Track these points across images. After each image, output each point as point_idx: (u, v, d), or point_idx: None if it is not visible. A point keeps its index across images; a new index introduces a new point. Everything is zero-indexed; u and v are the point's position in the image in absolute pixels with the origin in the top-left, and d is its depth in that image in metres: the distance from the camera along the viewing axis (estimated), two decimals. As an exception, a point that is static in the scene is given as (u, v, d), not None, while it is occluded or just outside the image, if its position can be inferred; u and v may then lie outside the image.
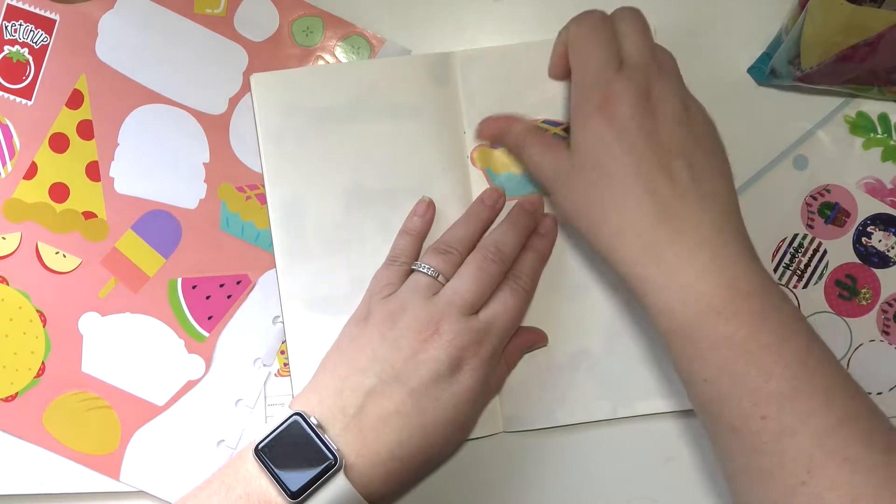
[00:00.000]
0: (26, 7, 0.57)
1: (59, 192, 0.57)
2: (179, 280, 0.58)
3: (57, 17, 0.57)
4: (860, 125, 0.60)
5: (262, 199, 0.58)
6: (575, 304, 0.58)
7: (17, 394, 0.57)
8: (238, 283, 0.58)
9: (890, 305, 0.59)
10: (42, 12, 0.57)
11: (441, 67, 0.58)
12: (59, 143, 0.57)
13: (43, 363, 0.57)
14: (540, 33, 0.59)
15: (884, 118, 0.60)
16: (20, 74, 0.57)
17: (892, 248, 0.59)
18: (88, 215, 0.57)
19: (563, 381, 0.58)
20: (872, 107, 0.60)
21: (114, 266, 0.57)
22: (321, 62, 0.58)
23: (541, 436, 0.59)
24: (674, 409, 0.58)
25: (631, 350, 0.58)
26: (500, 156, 0.58)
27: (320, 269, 0.56)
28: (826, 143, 0.60)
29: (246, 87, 0.58)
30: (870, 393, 0.59)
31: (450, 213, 0.57)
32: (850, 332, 0.59)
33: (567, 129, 0.58)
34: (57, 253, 0.57)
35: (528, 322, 0.58)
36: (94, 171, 0.57)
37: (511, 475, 0.59)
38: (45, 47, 0.57)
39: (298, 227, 0.56)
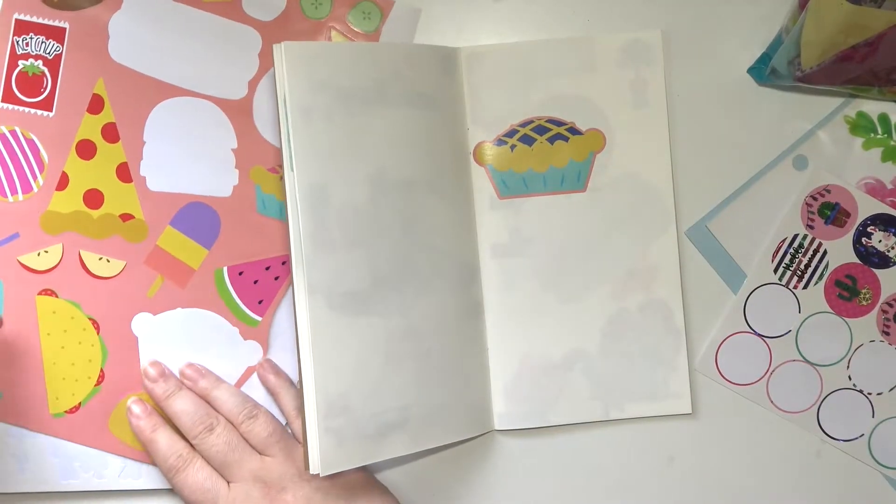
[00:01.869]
0: (35, 19, 0.57)
1: (94, 198, 0.57)
2: (225, 269, 0.58)
3: (67, 25, 0.57)
4: (860, 125, 0.60)
5: None
6: (570, 305, 0.58)
7: (80, 404, 0.57)
8: (283, 263, 0.58)
9: (890, 305, 0.59)
10: (51, 22, 0.57)
11: (449, 61, 0.58)
12: (86, 150, 0.57)
13: (101, 370, 0.57)
14: (540, 33, 0.60)
15: (884, 118, 0.60)
16: (38, 87, 0.57)
17: (892, 248, 0.59)
18: (126, 217, 0.57)
19: (556, 380, 0.58)
20: (872, 107, 0.60)
21: (158, 264, 0.57)
22: (334, 32, 0.58)
23: (534, 435, 0.59)
24: (665, 414, 0.58)
25: (625, 352, 0.58)
26: (502, 153, 0.59)
27: (343, 263, 0.54)
28: (826, 143, 0.60)
29: (264, 68, 0.58)
30: (870, 393, 0.59)
31: (450, 213, 0.57)
32: (850, 332, 0.59)
33: (571, 129, 0.59)
34: (101, 259, 0.57)
35: (524, 322, 0.58)
36: (124, 173, 0.57)
37: (504, 474, 0.59)
38: (58, 56, 0.57)
39: (323, 214, 0.53)
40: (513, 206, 0.59)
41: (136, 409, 0.56)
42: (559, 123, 0.59)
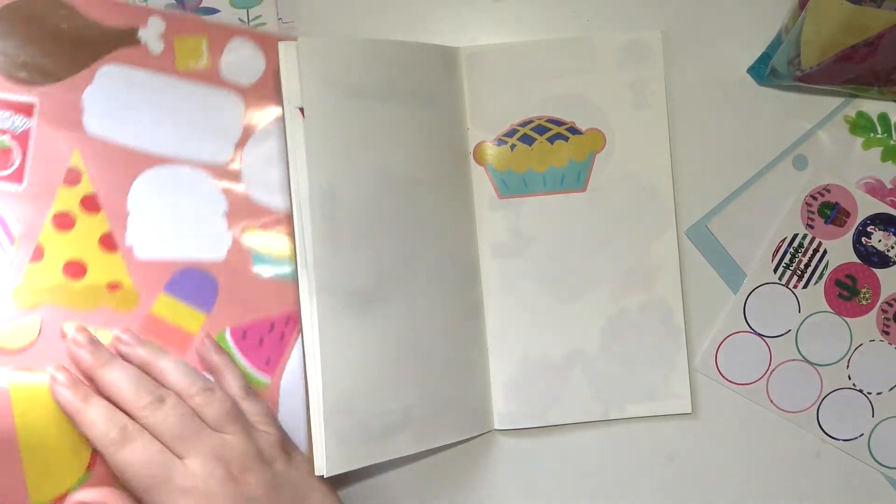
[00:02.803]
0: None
1: (75, 268, 0.54)
2: (227, 331, 0.55)
3: (35, 100, 0.54)
4: (860, 125, 0.60)
5: (291, 234, 0.56)
6: (570, 305, 0.58)
7: (68, 491, 0.51)
8: (287, 322, 0.56)
9: (890, 305, 0.59)
10: (17, 97, 0.54)
11: (449, 61, 0.58)
12: (63, 222, 0.54)
13: (92, 454, 0.51)
14: (540, 33, 0.60)
15: (884, 118, 0.60)
16: (6, 161, 0.54)
17: (892, 248, 0.59)
18: (113, 286, 0.54)
19: (556, 380, 0.58)
20: (872, 107, 0.60)
21: (154, 331, 0.54)
22: None
23: (534, 435, 0.59)
24: (665, 413, 0.58)
25: (625, 352, 0.58)
26: (501, 152, 0.59)
27: (350, 262, 0.54)
28: (826, 143, 0.60)
29: (248, 132, 0.56)
30: (870, 393, 0.59)
31: (450, 213, 0.57)
32: (850, 332, 0.59)
33: (571, 129, 0.59)
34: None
35: (524, 322, 0.58)
36: (109, 242, 0.54)
37: (504, 474, 0.59)
38: (27, 131, 0.54)
39: (332, 213, 0.53)
40: (513, 205, 0.59)
41: (61, 376, 0.49)
42: (559, 123, 0.59)
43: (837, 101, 0.60)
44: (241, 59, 0.57)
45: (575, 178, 0.59)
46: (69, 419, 0.49)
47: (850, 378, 0.59)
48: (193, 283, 0.55)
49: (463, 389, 0.57)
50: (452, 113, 0.58)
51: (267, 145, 0.57)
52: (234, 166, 0.56)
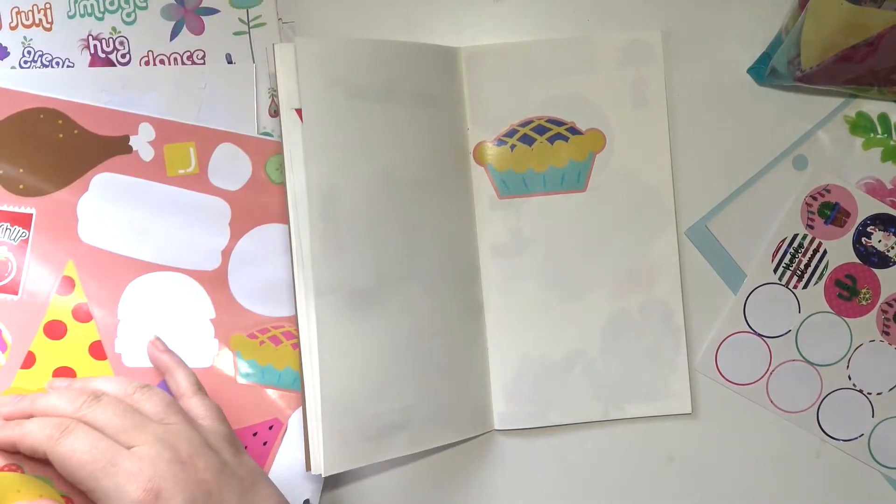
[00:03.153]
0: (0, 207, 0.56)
1: (64, 375, 0.55)
2: None
3: (33, 211, 0.56)
4: (860, 125, 0.60)
5: (276, 340, 0.57)
6: (570, 305, 0.58)
7: None
8: (270, 428, 0.56)
9: (890, 305, 0.59)
10: (16, 209, 0.56)
11: (449, 61, 0.58)
12: (55, 331, 0.55)
13: None
14: (540, 33, 0.60)
15: (884, 118, 0.60)
16: (3, 272, 0.55)
17: (892, 248, 0.59)
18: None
19: (556, 380, 0.58)
20: (872, 107, 0.60)
21: None
22: None
23: (534, 435, 0.59)
24: (665, 413, 0.58)
25: (625, 352, 0.58)
26: (501, 153, 0.59)
27: (350, 263, 0.54)
28: (826, 143, 0.60)
29: (236, 237, 0.57)
30: (870, 393, 0.59)
31: (450, 213, 0.57)
32: (850, 332, 0.59)
33: (571, 129, 0.59)
34: None
35: (524, 322, 0.58)
36: (98, 351, 0.56)
37: (504, 474, 0.59)
38: (24, 242, 0.55)
39: (332, 214, 0.53)
40: (513, 206, 0.59)
41: None
42: (559, 123, 0.59)
43: (837, 101, 0.60)
44: (228, 165, 0.58)
45: (575, 179, 0.59)
46: (12, 450, 0.47)
47: (850, 378, 0.59)
48: None
49: (463, 389, 0.57)
50: (452, 113, 0.58)
51: (254, 250, 0.58)
52: (222, 272, 0.57)
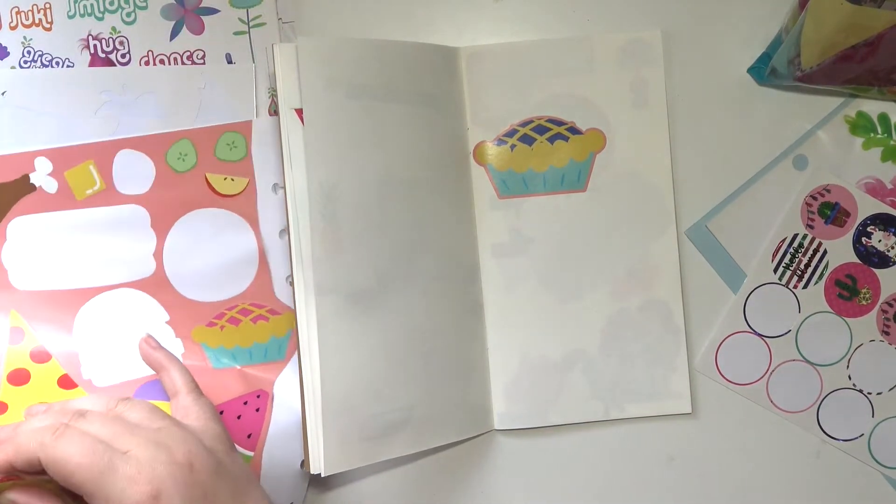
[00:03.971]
0: None
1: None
2: None
3: None
4: (860, 125, 0.60)
5: (234, 321, 0.57)
6: (570, 305, 0.58)
7: None
8: (258, 396, 0.57)
9: (890, 305, 0.59)
10: None
11: (449, 61, 0.58)
12: (19, 378, 0.55)
13: None
14: (540, 33, 0.60)
15: (884, 118, 0.60)
16: None
17: (892, 248, 0.59)
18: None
19: (556, 380, 0.58)
20: (872, 107, 0.60)
21: None
22: (207, 175, 0.58)
23: (534, 435, 0.59)
24: (665, 413, 0.58)
25: (625, 352, 0.58)
26: (502, 152, 0.59)
27: (351, 262, 0.54)
28: (826, 143, 0.60)
29: (162, 238, 0.57)
30: (870, 393, 0.59)
31: (450, 212, 0.57)
32: (850, 332, 0.59)
33: (571, 129, 0.59)
34: None
35: (524, 322, 0.58)
36: (67, 382, 0.55)
37: (504, 474, 0.59)
38: None
39: (333, 214, 0.54)
40: (513, 205, 0.59)
41: None
42: (559, 123, 0.59)
43: (837, 101, 0.60)
44: (131, 171, 0.57)
45: (575, 178, 0.59)
46: (10, 471, 0.46)
47: (850, 378, 0.59)
48: (157, 394, 0.55)
49: (463, 389, 0.57)
50: (452, 113, 0.58)
51: (183, 242, 0.58)
52: (160, 274, 0.57)
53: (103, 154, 0.57)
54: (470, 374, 0.57)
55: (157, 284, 0.57)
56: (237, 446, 0.54)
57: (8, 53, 0.58)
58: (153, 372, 0.54)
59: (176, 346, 0.57)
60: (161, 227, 0.57)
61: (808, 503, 0.59)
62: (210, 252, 0.58)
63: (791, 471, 0.59)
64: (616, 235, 0.59)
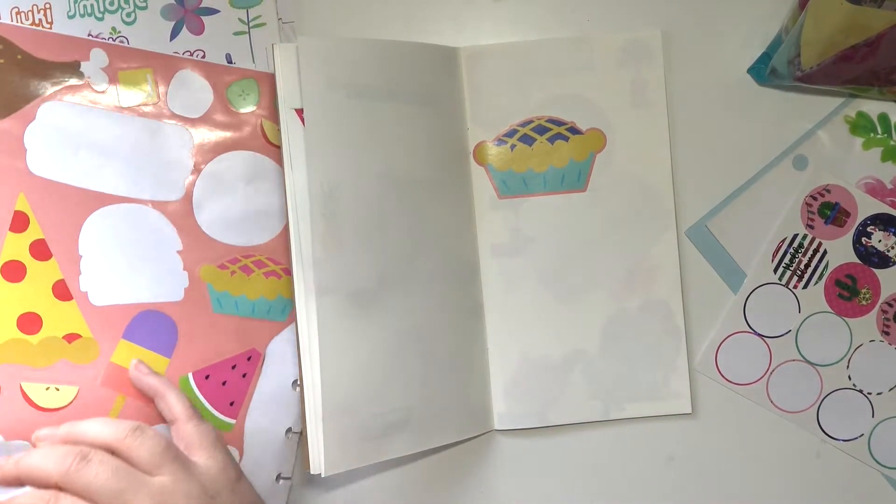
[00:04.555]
0: None
1: (30, 322, 0.52)
2: (190, 375, 0.54)
3: None
4: (860, 125, 0.60)
5: (247, 270, 0.55)
6: (571, 305, 0.58)
7: None
8: (248, 359, 0.55)
9: (890, 305, 0.59)
10: None
11: (449, 61, 0.58)
12: (13, 272, 0.52)
13: None
14: (540, 33, 0.60)
15: (884, 118, 0.60)
16: None
17: (892, 248, 0.59)
18: (71, 337, 0.52)
19: (556, 380, 0.58)
20: (872, 107, 0.60)
21: (116, 383, 0.52)
22: (263, 121, 0.57)
23: (534, 435, 0.59)
24: (665, 413, 0.58)
25: (625, 352, 0.58)
26: (502, 152, 0.59)
27: (351, 262, 0.54)
28: (826, 143, 0.60)
29: (199, 166, 0.55)
30: (870, 393, 0.59)
31: (451, 212, 0.57)
32: (850, 332, 0.59)
33: (571, 129, 0.59)
34: (48, 389, 0.51)
35: (524, 322, 0.58)
36: (62, 291, 0.52)
37: (504, 474, 0.59)
38: None
39: (333, 214, 0.54)
40: (513, 205, 0.59)
41: None
42: (559, 123, 0.59)
43: (837, 101, 0.60)
44: (188, 92, 0.56)
45: (575, 178, 0.59)
46: None
47: (850, 378, 0.59)
48: (153, 327, 0.53)
49: (463, 389, 0.57)
50: (452, 113, 0.58)
51: (219, 178, 0.56)
52: (187, 202, 0.55)
53: (165, 67, 0.55)
54: (470, 373, 0.57)
55: (179, 211, 0.55)
56: (218, 415, 0.54)
57: (8, 53, 0.58)
58: (153, 300, 0.53)
59: (181, 279, 0.55)
60: (202, 156, 0.56)
61: (808, 503, 0.59)
62: (242, 195, 0.56)
63: (791, 471, 0.59)
64: (616, 235, 0.59)
